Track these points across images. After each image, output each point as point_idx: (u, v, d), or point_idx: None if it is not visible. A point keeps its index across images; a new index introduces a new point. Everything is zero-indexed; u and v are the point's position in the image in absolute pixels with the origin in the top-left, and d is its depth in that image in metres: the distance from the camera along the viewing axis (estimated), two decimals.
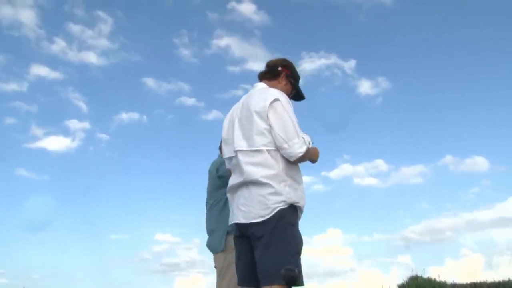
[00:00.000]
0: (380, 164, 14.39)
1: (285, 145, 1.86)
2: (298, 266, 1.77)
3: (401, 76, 15.71)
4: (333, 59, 14.30)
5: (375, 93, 14.61)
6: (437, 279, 11.25)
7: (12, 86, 13.05)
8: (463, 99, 15.26)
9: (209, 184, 2.97)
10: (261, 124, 1.89)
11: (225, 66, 14.64)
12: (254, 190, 1.86)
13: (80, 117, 13.93)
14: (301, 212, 1.93)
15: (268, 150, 1.88)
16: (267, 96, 1.94)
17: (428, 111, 15.79)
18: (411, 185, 14.56)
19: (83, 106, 13.60)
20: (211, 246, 2.84)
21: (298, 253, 1.82)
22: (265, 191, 1.83)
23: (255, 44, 14.84)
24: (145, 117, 13.96)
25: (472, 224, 14.16)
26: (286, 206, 1.83)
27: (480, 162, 14.23)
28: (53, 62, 13.35)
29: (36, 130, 13.17)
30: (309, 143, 1.90)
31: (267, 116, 1.88)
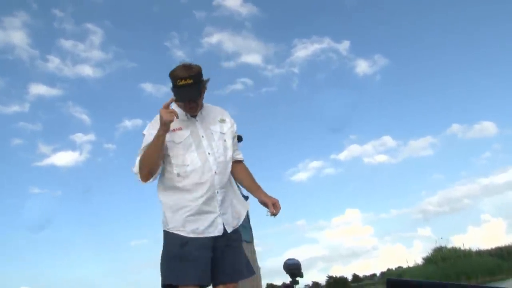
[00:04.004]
0: (388, 140, 14.29)
1: None
2: None
3: (397, 51, 15.51)
4: (326, 42, 14.11)
5: (373, 72, 14.46)
6: (462, 248, 11.13)
7: (14, 108, 13.14)
8: (463, 66, 15.01)
9: None
10: None
11: (219, 62, 14.60)
12: None
13: (84, 130, 13.98)
14: None
15: None
16: None
17: (428, 82, 15.60)
18: (422, 158, 14.46)
19: (86, 118, 13.65)
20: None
21: None
22: None
23: (247, 36, 14.71)
24: (148, 122, 13.97)
25: (489, 189, 14.02)
26: None
27: (488, 127, 14.07)
28: (50, 79, 13.40)
29: (43, 148, 13.27)
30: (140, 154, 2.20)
31: None
